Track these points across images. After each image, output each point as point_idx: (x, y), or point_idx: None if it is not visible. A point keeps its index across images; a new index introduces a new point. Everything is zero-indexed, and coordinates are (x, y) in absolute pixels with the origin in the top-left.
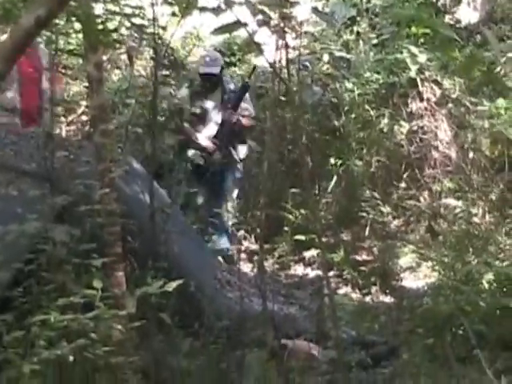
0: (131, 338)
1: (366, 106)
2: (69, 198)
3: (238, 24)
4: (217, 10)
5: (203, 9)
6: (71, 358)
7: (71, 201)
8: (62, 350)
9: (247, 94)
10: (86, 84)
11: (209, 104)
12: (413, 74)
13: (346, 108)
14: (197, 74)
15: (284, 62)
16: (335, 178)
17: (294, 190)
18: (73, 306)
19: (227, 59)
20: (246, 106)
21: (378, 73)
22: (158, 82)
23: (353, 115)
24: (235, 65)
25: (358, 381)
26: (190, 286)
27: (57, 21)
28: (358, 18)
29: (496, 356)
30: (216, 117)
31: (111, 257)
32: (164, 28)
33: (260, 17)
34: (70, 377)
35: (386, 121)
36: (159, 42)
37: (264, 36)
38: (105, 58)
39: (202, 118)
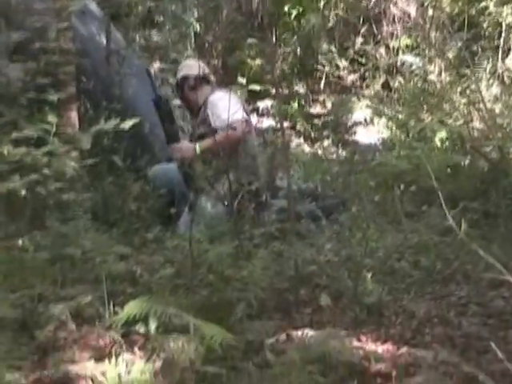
0: (83, 176)
1: None
2: (25, 34)
3: None
4: None
5: None
6: (23, 193)
7: (27, 37)
8: (14, 184)
9: None
10: None
11: None
12: None
13: None
14: None
15: None
16: (293, 29)
17: (251, 39)
18: (26, 140)
19: None
20: None
21: None
22: None
23: None
24: None
25: (308, 231)
26: (143, 128)
27: None
28: None
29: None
30: None
31: (65, 96)
32: None
33: None
34: (21, 212)
35: None
36: None
37: None
38: None
39: None
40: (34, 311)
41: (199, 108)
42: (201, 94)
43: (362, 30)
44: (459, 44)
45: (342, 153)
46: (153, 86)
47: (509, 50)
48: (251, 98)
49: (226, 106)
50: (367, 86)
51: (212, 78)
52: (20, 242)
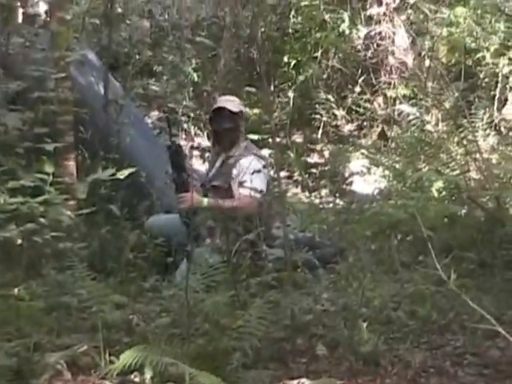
0: (79, 225)
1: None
2: (23, 84)
3: None
4: None
5: None
6: (19, 242)
7: (25, 87)
8: (10, 233)
9: None
10: None
11: None
12: None
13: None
14: None
15: None
16: (290, 79)
17: (248, 88)
18: (23, 189)
19: None
20: None
21: None
22: None
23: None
24: None
25: (304, 280)
26: (140, 177)
27: None
28: None
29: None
30: None
31: (63, 145)
32: None
33: None
34: (17, 261)
35: (345, 24)
36: None
37: None
38: None
39: None
40: (30, 360)
41: (227, 153)
42: (239, 135)
43: (360, 80)
44: (456, 94)
45: (339, 202)
46: (169, 133)
47: (505, 100)
48: None
49: (251, 177)
50: (364, 136)
51: None
52: (16, 290)
